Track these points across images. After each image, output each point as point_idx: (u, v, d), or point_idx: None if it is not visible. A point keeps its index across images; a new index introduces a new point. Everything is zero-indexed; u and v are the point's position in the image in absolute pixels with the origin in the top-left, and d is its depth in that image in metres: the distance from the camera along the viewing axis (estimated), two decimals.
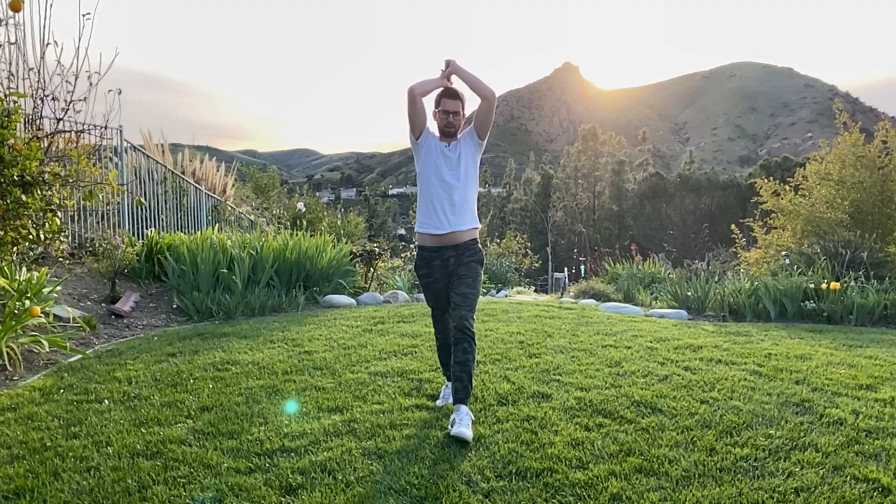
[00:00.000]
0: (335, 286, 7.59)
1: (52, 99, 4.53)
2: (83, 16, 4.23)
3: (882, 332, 6.00)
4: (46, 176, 3.90)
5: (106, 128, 5.60)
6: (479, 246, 3.42)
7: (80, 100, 4.52)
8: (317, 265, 7.47)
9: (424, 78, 3.33)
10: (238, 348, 4.64)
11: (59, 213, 4.18)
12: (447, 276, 3.32)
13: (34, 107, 4.57)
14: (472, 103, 3.42)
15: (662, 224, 40.89)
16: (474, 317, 3.21)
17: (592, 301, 8.37)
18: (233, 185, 12.86)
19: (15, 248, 4.03)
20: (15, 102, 3.96)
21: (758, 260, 11.42)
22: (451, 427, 2.87)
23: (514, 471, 2.59)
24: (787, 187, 11.62)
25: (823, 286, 7.07)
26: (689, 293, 7.71)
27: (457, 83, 3.36)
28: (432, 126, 3.39)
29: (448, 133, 3.34)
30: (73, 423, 3.08)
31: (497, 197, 57.15)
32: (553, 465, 2.62)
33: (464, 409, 2.95)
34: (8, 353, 3.97)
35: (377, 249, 8.75)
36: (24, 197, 3.76)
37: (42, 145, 4.22)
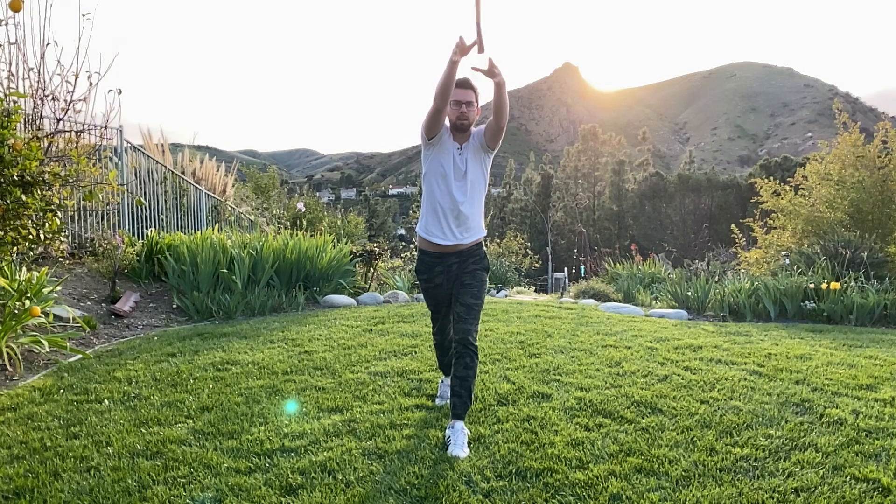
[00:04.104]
0: (335, 286, 7.59)
1: (52, 99, 4.53)
2: (83, 16, 4.24)
3: (882, 332, 5.99)
4: (46, 176, 3.90)
5: (106, 128, 5.61)
6: (484, 250, 3.29)
7: (80, 100, 4.53)
8: (317, 265, 7.47)
9: (439, 78, 2.90)
10: (238, 348, 4.64)
11: (59, 213, 4.17)
12: (449, 281, 3.20)
13: (34, 107, 4.57)
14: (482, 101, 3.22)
15: (662, 224, 40.90)
16: (477, 327, 3.11)
17: (592, 301, 8.37)
18: (233, 185, 12.86)
19: (15, 248, 4.03)
20: (15, 102, 3.95)
21: (758, 260, 11.42)
22: (447, 445, 2.79)
23: (514, 471, 2.59)
24: (787, 187, 11.62)
25: (823, 286, 7.07)
26: (689, 293, 7.71)
27: (468, 73, 3.08)
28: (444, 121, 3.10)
29: (462, 127, 3.08)
30: (73, 423, 3.08)
31: (497, 197, 57.14)
32: (553, 465, 2.62)
33: (459, 425, 2.86)
34: (8, 353, 3.97)
35: (377, 249, 8.75)
36: (24, 197, 3.76)
37: (42, 145, 4.22)
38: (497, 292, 10.06)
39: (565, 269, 22.76)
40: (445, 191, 3.13)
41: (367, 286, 8.51)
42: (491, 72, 2.89)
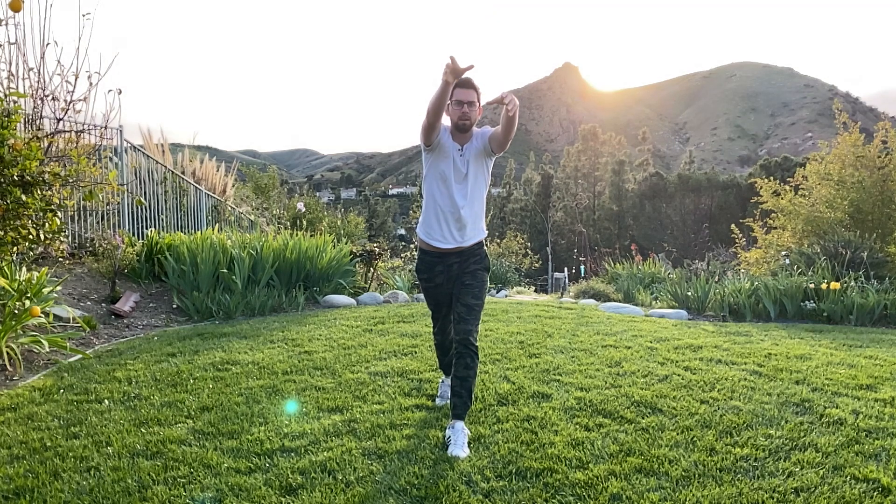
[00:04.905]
0: (335, 286, 7.59)
1: (52, 99, 4.53)
2: (83, 16, 4.23)
3: (882, 332, 5.99)
4: (46, 176, 3.90)
5: (106, 128, 5.60)
6: (485, 250, 3.28)
7: (80, 100, 4.52)
8: (317, 265, 7.47)
9: (432, 96, 2.86)
10: (238, 348, 4.64)
11: (59, 213, 4.18)
12: (450, 281, 3.20)
13: (34, 107, 4.57)
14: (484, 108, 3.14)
15: (662, 224, 40.89)
16: (478, 327, 3.11)
17: (592, 301, 8.37)
18: (233, 185, 12.85)
19: (15, 248, 4.03)
20: (15, 102, 3.95)
21: (758, 260, 11.42)
22: (447, 445, 2.80)
23: (514, 471, 2.59)
24: (787, 187, 11.62)
25: (823, 286, 7.07)
26: (689, 293, 7.70)
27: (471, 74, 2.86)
28: (445, 120, 3.05)
29: (463, 127, 3.04)
30: (73, 423, 3.08)
31: (497, 197, 57.12)
32: (553, 465, 2.62)
33: (459, 425, 2.86)
34: (8, 353, 3.97)
35: (377, 249, 8.75)
36: (24, 197, 3.76)
37: (42, 145, 4.22)
38: (497, 292, 10.06)
39: (565, 269, 22.76)
40: (446, 193, 3.11)
41: (367, 286, 8.51)
42: (502, 101, 2.85)
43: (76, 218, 6.91)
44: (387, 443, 2.86)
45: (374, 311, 6.40)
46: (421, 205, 3.34)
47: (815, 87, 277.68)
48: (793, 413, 3.27)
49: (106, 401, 3.43)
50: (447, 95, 2.85)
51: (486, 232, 3.33)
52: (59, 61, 4.42)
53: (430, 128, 2.97)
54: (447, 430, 2.88)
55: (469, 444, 2.84)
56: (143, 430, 2.99)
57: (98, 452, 2.73)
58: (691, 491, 2.42)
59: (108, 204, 6.88)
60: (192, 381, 3.79)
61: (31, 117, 4.61)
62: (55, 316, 4.83)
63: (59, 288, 4.97)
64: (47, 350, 4.30)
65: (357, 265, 8.59)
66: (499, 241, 17.98)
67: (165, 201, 9.04)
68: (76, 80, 4.44)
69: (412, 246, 11.99)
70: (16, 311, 4.12)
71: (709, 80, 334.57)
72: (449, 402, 3.13)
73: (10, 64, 4.33)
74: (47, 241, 4.09)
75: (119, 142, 7.73)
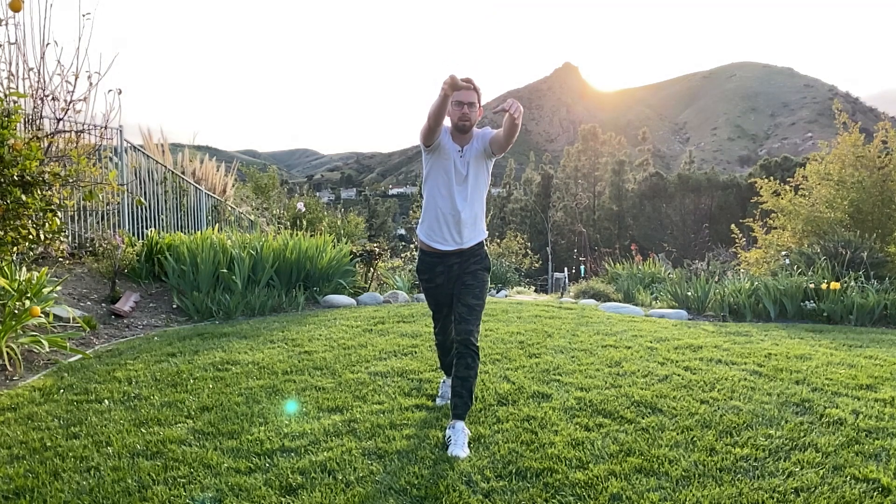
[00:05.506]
0: (335, 286, 7.59)
1: (52, 99, 4.53)
2: (83, 16, 4.23)
3: (882, 332, 6.00)
4: (46, 176, 3.90)
5: (106, 128, 5.60)
6: (486, 250, 3.28)
7: (80, 100, 4.52)
8: (317, 265, 7.47)
9: (431, 104, 2.91)
10: (238, 348, 4.64)
11: (59, 213, 4.17)
12: (451, 281, 3.21)
13: (34, 107, 4.57)
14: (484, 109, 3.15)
15: (662, 224, 40.88)
16: (479, 327, 3.11)
17: (592, 301, 8.37)
18: (233, 185, 12.85)
19: (15, 248, 4.03)
20: (15, 102, 3.95)
21: (758, 260, 11.42)
22: (447, 445, 2.80)
23: (514, 471, 2.59)
24: (787, 187, 11.62)
25: (823, 286, 7.07)
26: (689, 293, 7.70)
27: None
28: (445, 120, 3.06)
29: (463, 128, 3.04)
30: (73, 423, 3.08)
31: (497, 197, 57.09)
32: (553, 465, 2.62)
33: (460, 425, 2.87)
34: (8, 353, 3.97)
35: (377, 249, 8.75)
36: (24, 197, 3.76)
37: (42, 145, 4.22)
38: (497, 292, 10.06)
39: (565, 269, 22.76)
40: (447, 195, 3.12)
41: (367, 286, 8.51)
42: (506, 110, 2.86)
43: (76, 218, 6.91)
44: (387, 443, 2.86)
45: (374, 311, 6.40)
46: (421, 205, 3.34)
47: (815, 87, 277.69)
48: (793, 413, 3.27)
49: (106, 401, 3.43)
50: (446, 106, 2.90)
51: (487, 232, 3.33)
52: (59, 61, 4.42)
53: (430, 132, 3.00)
54: (447, 430, 2.88)
55: (469, 444, 2.84)
56: (143, 430, 2.99)
57: (98, 452, 2.73)
58: (691, 491, 2.42)
59: (108, 204, 6.87)
60: (192, 381, 3.79)
61: (31, 117, 4.61)
62: (55, 316, 4.83)
63: (59, 288, 4.97)
64: (47, 350, 4.30)
65: (357, 265, 8.59)
66: (499, 241, 17.98)
67: (165, 201, 9.03)
68: (76, 80, 4.44)
69: (412, 246, 11.99)
70: (16, 311, 4.12)
71: (709, 80, 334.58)
72: (449, 402, 3.13)
73: (10, 64, 4.33)
74: (47, 241, 4.09)
75: (119, 142, 7.73)
